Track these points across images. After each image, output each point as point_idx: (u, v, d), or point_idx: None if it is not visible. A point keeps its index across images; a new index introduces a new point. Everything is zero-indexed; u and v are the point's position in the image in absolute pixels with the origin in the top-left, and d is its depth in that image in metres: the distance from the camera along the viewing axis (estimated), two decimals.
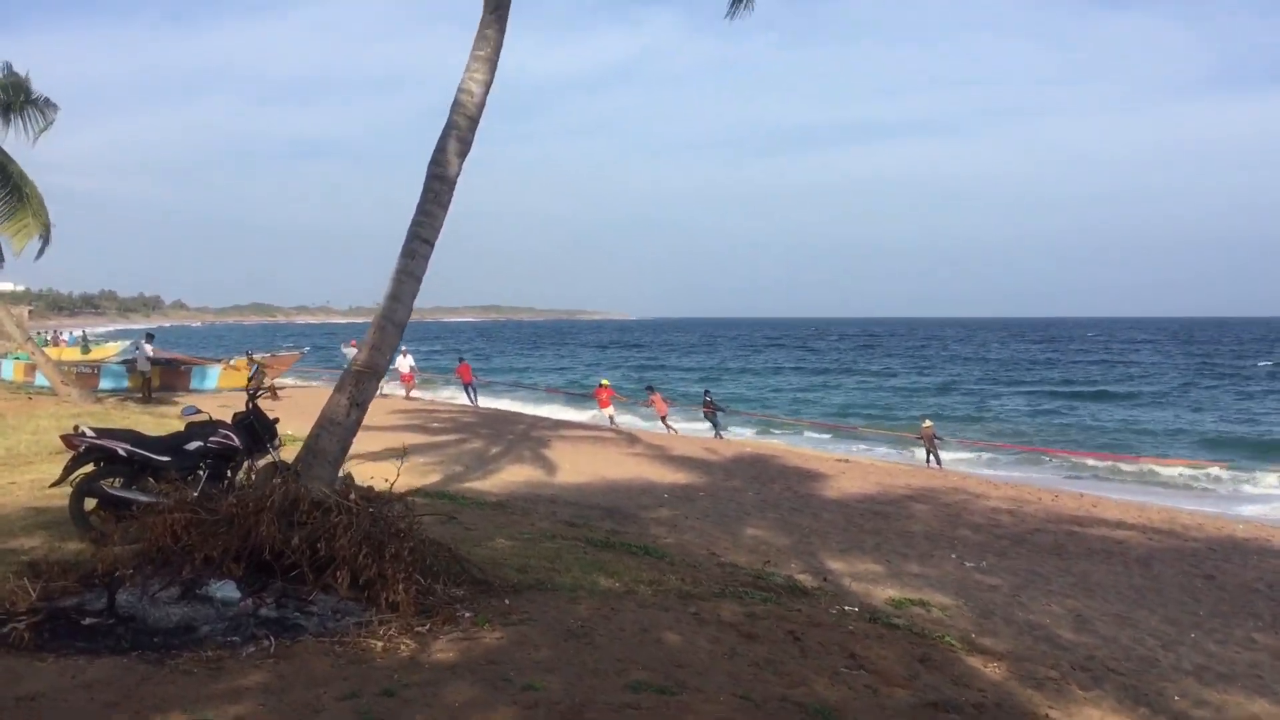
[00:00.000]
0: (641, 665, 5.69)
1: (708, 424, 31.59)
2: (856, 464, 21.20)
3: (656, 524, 12.83)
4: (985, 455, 28.77)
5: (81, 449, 8.39)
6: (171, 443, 8.77)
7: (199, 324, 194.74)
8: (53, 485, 8.58)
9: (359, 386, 10.20)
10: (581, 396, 40.73)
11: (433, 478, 14.70)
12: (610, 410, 31.79)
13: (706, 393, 33.76)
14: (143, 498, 8.25)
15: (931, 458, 26.36)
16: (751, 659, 6.02)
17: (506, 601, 6.91)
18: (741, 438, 30.73)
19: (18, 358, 33.07)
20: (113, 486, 8.39)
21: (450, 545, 7.58)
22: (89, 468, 8.48)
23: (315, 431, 10.03)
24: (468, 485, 14.50)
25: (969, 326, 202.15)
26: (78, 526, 8.26)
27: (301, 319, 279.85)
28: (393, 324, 10.44)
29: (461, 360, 38.67)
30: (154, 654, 5.68)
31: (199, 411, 9.34)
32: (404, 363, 35.48)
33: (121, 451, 8.41)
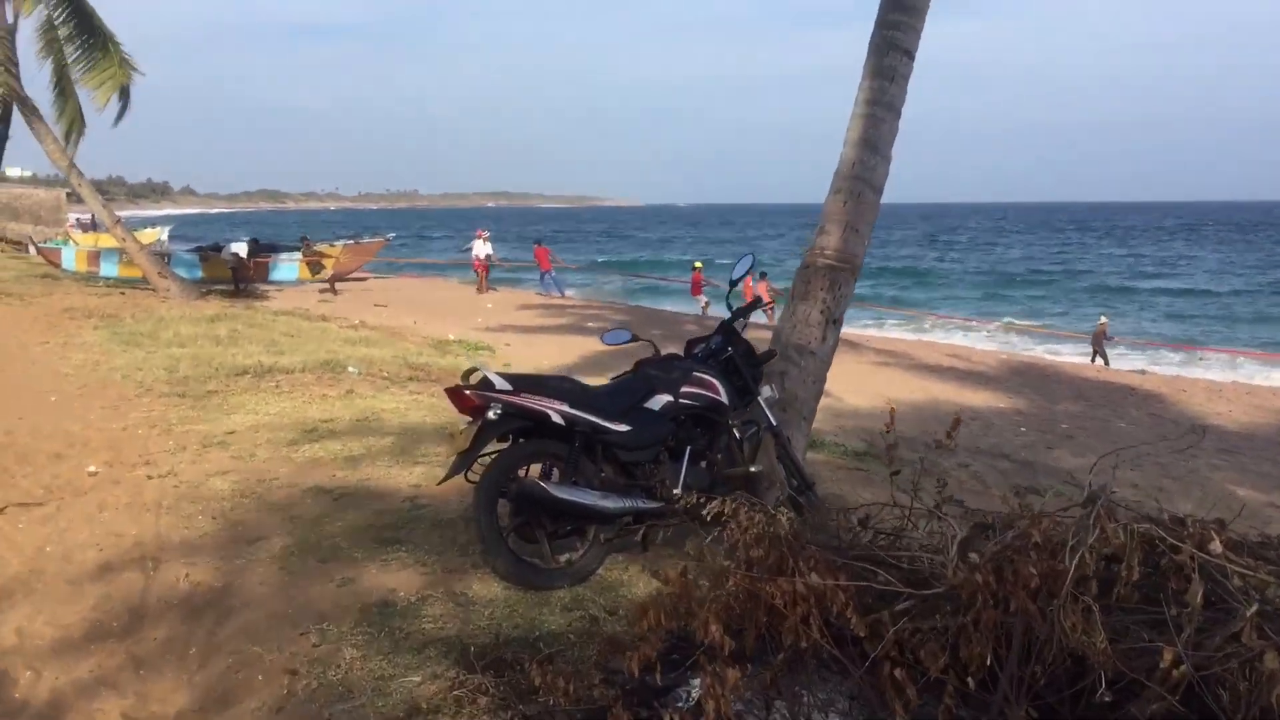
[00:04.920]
0: None
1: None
2: (1153, 375, 17.30)
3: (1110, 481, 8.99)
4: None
5: (491, 413, 4.41)
6: (623, 399, 4.77)
7: (214, 211, 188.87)
8: (441, 482, 4.58)
9: (834, 291, 6.21)
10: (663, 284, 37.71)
11: None
12: (703, 299, 28.14)
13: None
14: (636, 505, 4.40)
15: (1099, 358, 23.34)
16: None
17: None
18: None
19: (62, 245, 28.78)
20: (553, 484, 4.48)
21: None
22: (494, 444, 4.55)
23: (777, 367, 6.11)
24: None
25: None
26: (494, 558, 4.35)
27: (311, 205, 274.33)
28: (870, 187, 6.39)
29: (539, 244, 33.20)
30: None
31: (634, 337, 5.34)
32: (481, 248, 30.86)
33: (557, 417, 4.45)
